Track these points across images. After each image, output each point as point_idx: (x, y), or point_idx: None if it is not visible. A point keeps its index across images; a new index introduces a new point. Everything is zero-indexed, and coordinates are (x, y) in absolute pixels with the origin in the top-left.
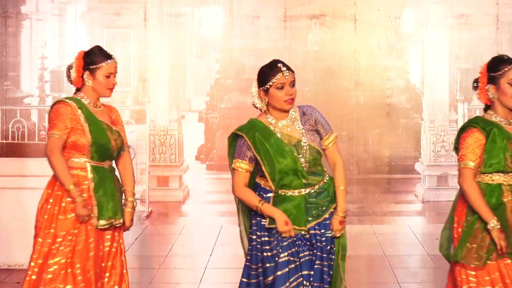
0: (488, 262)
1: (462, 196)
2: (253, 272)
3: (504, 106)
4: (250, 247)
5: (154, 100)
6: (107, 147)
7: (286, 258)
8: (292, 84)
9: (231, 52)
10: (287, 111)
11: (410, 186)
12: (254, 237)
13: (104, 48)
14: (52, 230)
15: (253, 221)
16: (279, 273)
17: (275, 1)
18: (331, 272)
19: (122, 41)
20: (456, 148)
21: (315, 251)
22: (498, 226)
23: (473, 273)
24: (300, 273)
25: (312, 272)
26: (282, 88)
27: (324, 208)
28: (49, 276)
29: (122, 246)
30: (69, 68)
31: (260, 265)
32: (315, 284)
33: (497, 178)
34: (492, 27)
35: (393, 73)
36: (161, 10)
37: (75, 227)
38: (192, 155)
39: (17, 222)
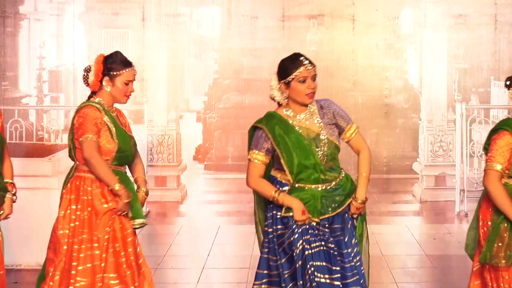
0: None
1: (487, 195)
2: (273, 264)
3: None
4: (267, 240)
5: (152, 100)
6: (129, 154)
7: (301, 246)
8: (314, 77)
9: (229, 52)
10: (307, 105)
11: (407, 186)
12: (270, 230)
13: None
14: (84, 236)
15: (268, 214)
16: (297, 265)
17: (273, 1)
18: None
19: (120, 41)
20: (486, 149)
21: (330, 245)
22: None
23: (502, 272)
24: (314, 262)
25: (324, 263)
26: (304, 81)
27: (337, 204)
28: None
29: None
30: (87, 70)
31: (279, 257)
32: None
33: None
34: (491, 27)
35: (391, 73)
36: (159, 10)
37: (108, 226)
38: (190, 155)
39: (14, 222)
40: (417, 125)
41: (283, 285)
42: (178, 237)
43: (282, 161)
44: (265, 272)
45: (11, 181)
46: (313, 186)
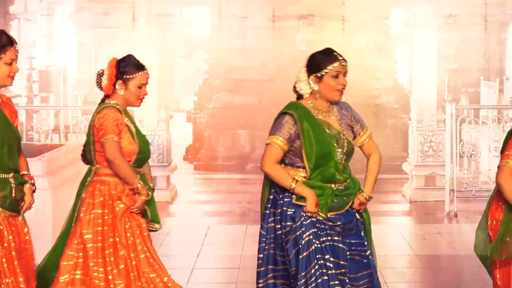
0: None
1: (498, 194)
2: (280, 259)
3: None
4: (273, 235)
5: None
6: (147, 155)
7: (308, 238)
8: (345, 74)
9: (219, 52)
10: (332, 102)
11: (397, 186)
12: (278, 226)
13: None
14: (111, 240)
15: (278, 210)
16: (300, 256)
17: (263, 1)
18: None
19: (110, 41)
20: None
21: (337, 238)
22: None
23: None
24: (321, 255)
25: (332, 258)
26: (337, 77)
27: (345, 204)
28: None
29: None
30: (100, 74)
31: (286, 253)
32: (351, 275)
33: None
34: (480, 27)
35: (381, 73)
36: (150, 10)
37: (127, 224)
38: (180, 155)
39: None
40: (407, 125)
41: (292, 280)
42: (168, 237)
43: (303, 151)
44: (270, 267)
45: (27, 172)
46: (327, 184)
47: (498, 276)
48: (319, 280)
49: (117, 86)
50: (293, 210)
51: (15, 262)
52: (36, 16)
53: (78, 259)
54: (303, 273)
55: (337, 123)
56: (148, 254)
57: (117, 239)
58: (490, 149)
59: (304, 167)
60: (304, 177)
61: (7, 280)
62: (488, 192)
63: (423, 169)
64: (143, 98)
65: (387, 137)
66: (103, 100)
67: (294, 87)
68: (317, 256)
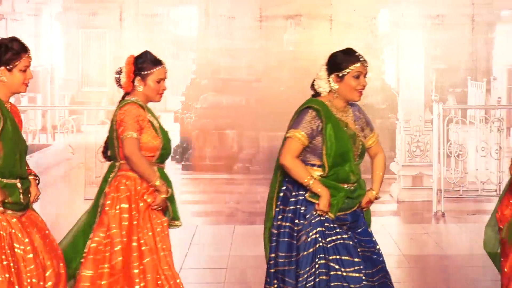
0: None
1: (508, 192)
2: (281, 260)
3: None
4: (277, 232)
5: None
6: (169, 151)
7: (314, 236)
8: (365, 75)
9: (207, 52)
10: (350, 103)
11: (385, 186)
12: (287, 224)
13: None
14: (140, 234)
15: (290, 208)
16: (305, 253)
17: (250, 2)
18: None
19: (97, 41)
20: None
21: (347, 235)
22: None
23: None
24: (324, 255)
25: (344, 257)
26: (358, 77)
27: (353, 205)
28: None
29: None
30: (119, 72)
31: (295, 253)
32: (368, 271)
33: None
34: (468, 27)
35: (368, 74)
36: (137, 10)
37: (149, 222)
38: None
39: None
40: (394, 125)
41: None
42: None
43: (324, 147)
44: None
45: (26, 168)
46: (341, 184)
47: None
48: (317, 280)
49: (136, 83)
50: (305, 207)
51: (39, 258)
52: (23, 16)
53: (105, 253)
54: (302, 271)
55: (353, 123)
56: (166, 252)
57: (140, 235)
58: (477, 149)
59: (317, 165)
60: (320, 175)
61: (34, 280)
62: (476, 192)
63: (410, 169)
64: (163, 92)
65: None
66: (123, 98)
67: (312, 84)
68: (319, 256)
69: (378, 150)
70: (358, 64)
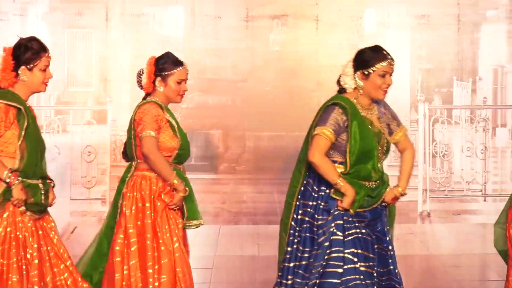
0: None
1: None
2: (301, 254)
3: None
4: (299, 228)
5: (116, 100)
6: (187, 152)
7: (332, 229)
8: (391, 74)
9: (193, 52)
10: (378, 100)
11: None
12: (307, 219)
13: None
14: (149, 235)
15: (312, 203)
16: (324, 245)
17: (236, 1)
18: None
19: (83, 41)
20: None
21: (365, 231)
22: None
23: None
24: (340, 248)
25: (359, 251)
26: (384, 76)
27: (374, 203)
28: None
29: None
30: (140, 73)
31: (315, 247)
32: (379, 269)
33: None
34: (453, 27)
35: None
36: (123, 10)
37: (167, 222)
38: None
39: None
40: None
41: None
42: None
43: (348, 145)
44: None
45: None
46: (362, 182)
47: None
48: (331, 272)
49: (156, 83)
50: (326, 202)
51: (47, 264)
52: (9, 16)
53: (124, 254)
54: (317, 263)
55: (378, 121)
56: (181, 253)
57: (159, 234)
58: (463, 149)
59: (339, 162)
60: (341, 172)
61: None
62: (461, 192)
63: (396, 169)
64: (183, 94)
65: None
66: (144, 99)
67: (338, 80)
68: (334, 249)
69: (407, 145)
70: (384, 63)
